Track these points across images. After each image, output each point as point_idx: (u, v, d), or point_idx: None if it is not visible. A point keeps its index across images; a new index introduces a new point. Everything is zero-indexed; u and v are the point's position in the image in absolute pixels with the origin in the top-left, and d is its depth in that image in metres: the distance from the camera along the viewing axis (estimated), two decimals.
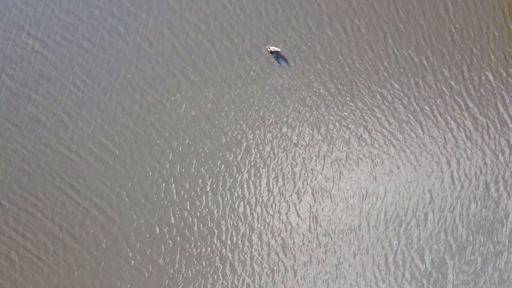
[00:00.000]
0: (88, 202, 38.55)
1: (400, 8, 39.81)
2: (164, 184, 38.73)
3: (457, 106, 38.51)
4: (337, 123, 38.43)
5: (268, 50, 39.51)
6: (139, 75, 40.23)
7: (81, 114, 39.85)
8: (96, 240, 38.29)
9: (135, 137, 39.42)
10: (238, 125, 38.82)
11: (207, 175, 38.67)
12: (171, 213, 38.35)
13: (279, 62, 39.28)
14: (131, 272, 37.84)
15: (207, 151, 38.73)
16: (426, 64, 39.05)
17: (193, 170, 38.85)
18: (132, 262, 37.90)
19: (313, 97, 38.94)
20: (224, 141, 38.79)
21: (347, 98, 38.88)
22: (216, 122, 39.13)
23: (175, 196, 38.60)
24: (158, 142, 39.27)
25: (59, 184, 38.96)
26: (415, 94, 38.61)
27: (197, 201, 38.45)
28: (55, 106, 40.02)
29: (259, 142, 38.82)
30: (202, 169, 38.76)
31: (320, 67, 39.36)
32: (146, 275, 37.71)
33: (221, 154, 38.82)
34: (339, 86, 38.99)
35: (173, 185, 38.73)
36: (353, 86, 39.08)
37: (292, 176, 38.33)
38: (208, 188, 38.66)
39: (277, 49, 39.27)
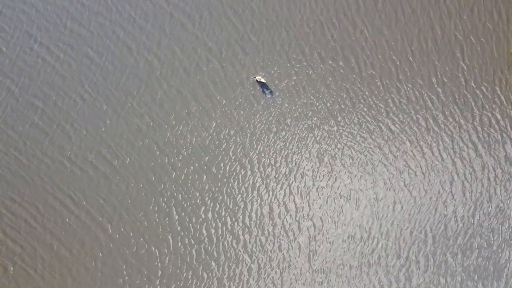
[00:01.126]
0: (87, 217, 38.35)
1: (412, 45, 39.59)
2: (165, 208, 38.54)
3: (464, 146, 38.44)
4: (341, 158, 38.28)
5: (254, 79, 39.40)
6: (147, 95, 39.87)
7: (85, 127, 39.51)
8: (93, 257, 38.15)
9: (139, 157, 39.17)
10: (242, 155, 38.60)
11: (209, 203, 38.48)
12: (170, 237, 38.20)
13: (264, 93, 39.08)
14: None
15: (210, 178, 38.46)
16: (435, 102, 38.93)
17: (194, 197, 38.67)
18: (128, 283, 37.80)
19: (319, 130, 38.75)
20: (227, 170, 38.56)
21: (353, 132, 38.70)
22: (220, 149, 38.91)
23: (175, 220, 38.43)
24: (162, 165, 39.03)
25: (58, 197, 38.70)
26: (421, 131, 38.51)
27: (197, 228, 38.33)
28: (58, 117, 39.65)
29: (262, 173, 38.64)
30: (204, 196, 38.57)
31: (327, 98, 39.16)
32: None
33: (223, 182, 38.59)
34: (346, 119, 38.83)
35: (174, 210, 38.54)
36: (360, 120, 38.92)
37: (293, 209, 38.23)
38: (210, 215, 38.48)
39: (263, 80, 39.26)
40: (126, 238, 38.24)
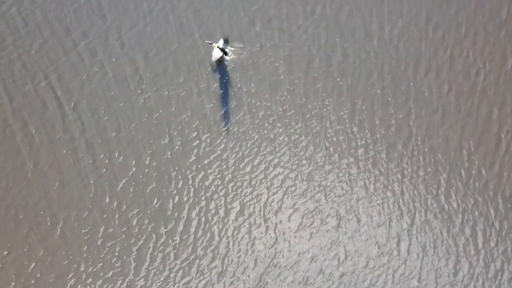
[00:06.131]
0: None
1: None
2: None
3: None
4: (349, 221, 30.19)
5: (212, 47, 25.62)
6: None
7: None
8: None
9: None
10: (236, 196, 29.99)
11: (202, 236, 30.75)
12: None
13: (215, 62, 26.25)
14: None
15: (208, 220, 30.12)
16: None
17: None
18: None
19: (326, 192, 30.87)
20: (220, 214, 29.89)
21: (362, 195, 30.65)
22: (214, 196, 30.39)
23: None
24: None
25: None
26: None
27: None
28: None
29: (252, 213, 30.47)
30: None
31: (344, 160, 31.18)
32: None
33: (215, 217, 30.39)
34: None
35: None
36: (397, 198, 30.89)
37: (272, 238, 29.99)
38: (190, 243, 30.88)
39: (226, 49, 25.86)
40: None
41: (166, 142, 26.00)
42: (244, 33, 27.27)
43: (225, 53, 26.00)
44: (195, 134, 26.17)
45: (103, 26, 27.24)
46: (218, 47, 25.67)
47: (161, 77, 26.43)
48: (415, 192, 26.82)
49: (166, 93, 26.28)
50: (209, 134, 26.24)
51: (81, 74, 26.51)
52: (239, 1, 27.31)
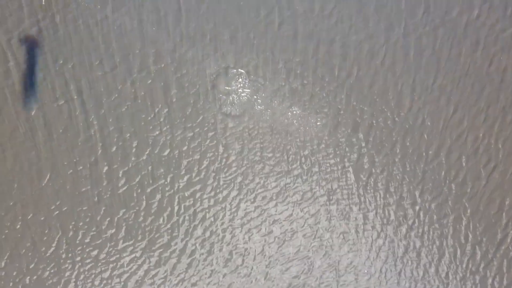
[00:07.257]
0: None
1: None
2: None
3: None
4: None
5: None
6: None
7: None
8: None
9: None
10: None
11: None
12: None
13: None
14: None
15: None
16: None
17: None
18: None
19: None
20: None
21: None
22: (210, 240, 30.26)
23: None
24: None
25: None
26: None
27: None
28: None
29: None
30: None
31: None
32: None
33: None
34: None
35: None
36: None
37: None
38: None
39: None
40: None
41: (172, 179, 26.05)
42: (272, 81, 26.82)
43: None
44: (203, 175, 26.19)
45: (139, 54, 26.82)
46: None
47: (182, 115, 26.23)
48: (410, 263, 26.86)
49: (181, 131, 26.22)
50: (215, 180, 26.27)
51: (110, 96, 26.09)
52: (277, 51, 26.74)
